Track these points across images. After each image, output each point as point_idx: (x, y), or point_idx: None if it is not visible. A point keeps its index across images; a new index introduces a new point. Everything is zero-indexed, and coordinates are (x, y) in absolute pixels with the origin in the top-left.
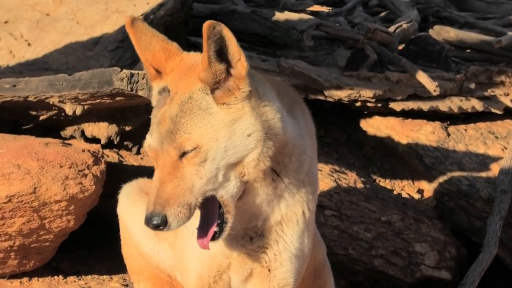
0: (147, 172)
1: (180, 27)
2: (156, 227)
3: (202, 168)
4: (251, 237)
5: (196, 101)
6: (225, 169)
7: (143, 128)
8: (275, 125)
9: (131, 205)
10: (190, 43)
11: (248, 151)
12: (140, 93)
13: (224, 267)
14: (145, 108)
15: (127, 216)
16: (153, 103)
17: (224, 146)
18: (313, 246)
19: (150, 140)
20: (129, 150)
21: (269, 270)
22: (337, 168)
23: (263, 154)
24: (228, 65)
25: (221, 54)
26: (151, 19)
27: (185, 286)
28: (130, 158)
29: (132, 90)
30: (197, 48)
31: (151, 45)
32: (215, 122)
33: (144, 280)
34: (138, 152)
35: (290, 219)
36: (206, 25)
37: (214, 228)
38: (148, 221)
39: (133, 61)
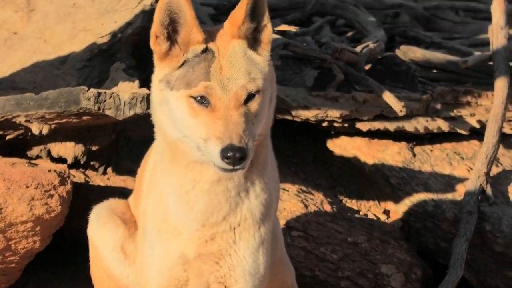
0: (114, 192)
1: (148, 46)
2: (241, 160)
3: (264, 109)
4: (206, 240)
5: (241, 52)
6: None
7: (110, 148)
8: None
9: (102, 227)
10: None
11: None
12: (107, 112)
13: (182, 282)
14: (112, 128)
15: (98, 238)
16: (182, 67)
17: (271, 93)
18: (282, 271)
19: (208, 83)
20: (96, 170)
21: (225, 287)
22: (304, 188)
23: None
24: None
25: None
26: (119, 37)
27: None
28: (96, 178)
29: (99, 109)
30: None
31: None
32: (263, 69)
33: None
34: (104, 172)
35: (245, 229)
36: None
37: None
38: (229, 153)
39: (100, 80)
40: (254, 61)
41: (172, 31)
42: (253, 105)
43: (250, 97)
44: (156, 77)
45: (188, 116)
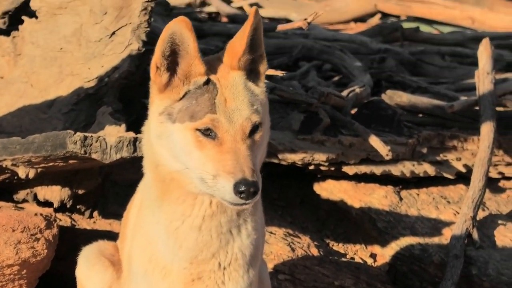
0: (100, 235)
1: (135, 90)
2: (254, 195)
3: (264, 141)
4: (193, 279)
5: (242, 84)
6: None
7: (96, 191)
8: None
9: (90, 269)
10: (145, 106)
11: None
12: (93, 156)
13: None
14: (99, 171)
15: (86, 279)
16: (183, 99)
17: (268, 124)
18: None
19: (214, 116)
20: (82, 213)
21: None
22: (290, 231)
23: None
24: (254, 56)
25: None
26: (106, 82)
27: None
28: (82, 222)
29: (85, 153)
30: None
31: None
32: (262, 101)
33: None
34: (90, 216)
35: (235, 269)
36: (255, 10)
37: None
38: (243, 188)
39: (86, 124)
40: (254, 93)
41: (171, 62)
42: (257, 137)
43: (254, 129)
44: (156, 110)
45: (194, 149)
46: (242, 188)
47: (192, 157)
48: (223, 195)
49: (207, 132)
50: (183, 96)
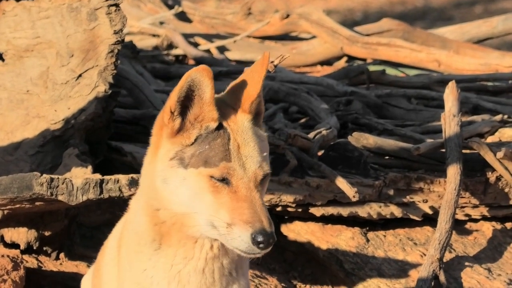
0: (67, 277)
1: (101, 132)
2: (271, 245)
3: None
4: None
5: (251, 129)
6: None
7: (63, 233)
8: None
9: None
10: (111, 148)
11: None
12: (60, 197)
13: None
14: (65, 213)
15: None
16: (195, 143)
17: None
18: None
19: (229, 164)
20: (48, 255)
21: None
22: (258, 273)
23: None
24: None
25: None
26: (72, 123)
27: None
28: (49, 264)
29: (52, 194)
30: (118, 152)
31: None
32: (267, 145)
33: None
34: (57, 257)
35: None
36: (268, 53)
37: None
38: (262, 239)
39: (53, 166)
40: (261, 138)
41: (183, 106)
42: (265, 184)
43: (265, 176)
44: (166, 155)
45: (208, 194)
46: (261, 239)
47: (205, 203)
48: (237, 244)
49: (221, 178)
50: (195, 141)
